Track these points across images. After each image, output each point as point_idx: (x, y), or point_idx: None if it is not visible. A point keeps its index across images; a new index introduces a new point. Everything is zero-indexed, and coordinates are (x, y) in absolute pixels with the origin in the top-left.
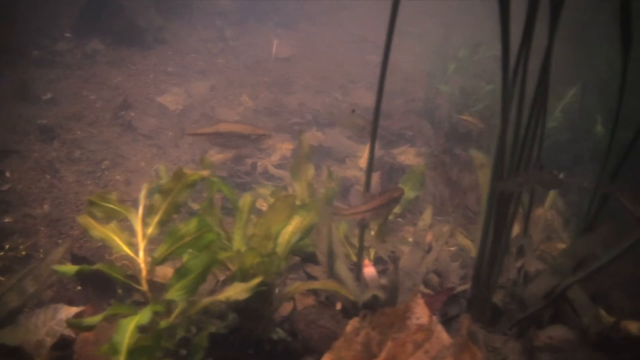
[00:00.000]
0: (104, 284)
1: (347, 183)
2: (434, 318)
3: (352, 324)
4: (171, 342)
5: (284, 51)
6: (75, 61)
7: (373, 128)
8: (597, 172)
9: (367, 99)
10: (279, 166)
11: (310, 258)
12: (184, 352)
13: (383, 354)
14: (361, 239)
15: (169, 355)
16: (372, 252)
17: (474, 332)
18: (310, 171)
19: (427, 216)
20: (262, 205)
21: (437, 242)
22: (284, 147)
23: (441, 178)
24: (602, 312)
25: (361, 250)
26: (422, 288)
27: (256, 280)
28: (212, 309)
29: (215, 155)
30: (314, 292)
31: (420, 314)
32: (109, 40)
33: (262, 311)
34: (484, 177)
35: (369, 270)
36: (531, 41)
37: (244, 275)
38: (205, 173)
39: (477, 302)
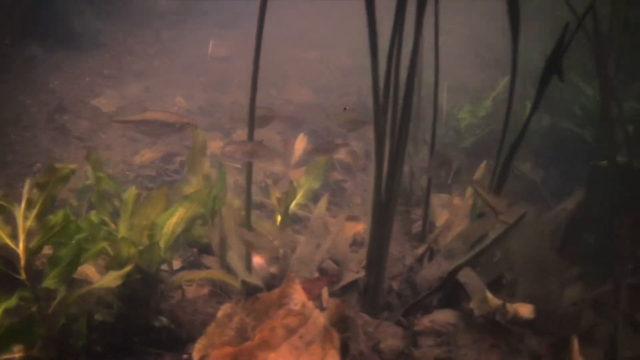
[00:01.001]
0: None
1: (275, 178)
2: (310, 304)
3: (224, 309)
4: (54, 329)
5: (220, 51)
6: (14, 66)
7: (250, 120)
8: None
9: (302, 94)
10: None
11: (206, 249)
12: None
13: (255, 339)
14: (248, 224)
15: (52, 341)
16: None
17: (352, 318)
18: (206, 165)
19: (322, 204)
20: None
21: (332, 230)
22: (214, 146)
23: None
24: (490, 295)
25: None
26: (317, 275)
27: (127, 269)
28: (101, 297)
29: (146, 154)
30: (212, 282)
31: (298, 299)
32: (47, 44)
33: (148, 300)
34: None
35: (257, 259)
36: (402, 30)
37: (120, 264)
38: (73, 166)
39: (370, 288)
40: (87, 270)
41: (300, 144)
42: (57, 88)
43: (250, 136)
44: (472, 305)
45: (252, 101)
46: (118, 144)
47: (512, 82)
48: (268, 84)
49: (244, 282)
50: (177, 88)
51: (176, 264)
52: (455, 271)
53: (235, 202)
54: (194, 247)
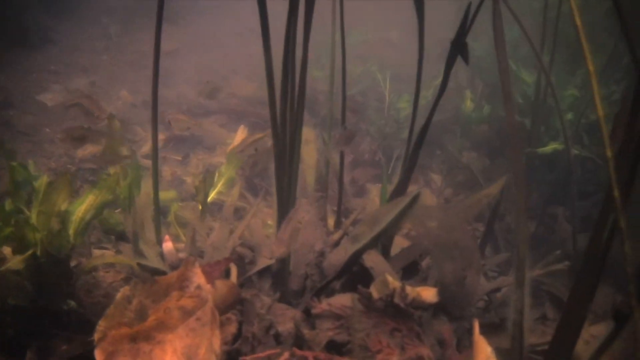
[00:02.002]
0: None
1: (212, 169)
2: (208, 287)
3: (123, 292)
4: None
5: (168, 45)
6: None
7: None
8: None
9: (247, 88)
10: (148, 156)
11: (122, 236)
12: None
13: (150, 320)
14: (157, 217)
15: None
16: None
17: (248, 301)
18: (124, 152)
19: (235, 192)
20: None
21: (246, 216)
22: None
23: None
24: (389, 278)
25: (159, 227)
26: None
27: (29, 253)
28: (18, 283)
29: (88, 148)
30: (130, 268)
31: (198, 282)
32: None
33: (59, 284)
34: (307, 153)
35: (167, 245)
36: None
37: (26, 249)
38: None
39: (278, 274)
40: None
41: (241, 135)
42: (4, 84)
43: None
44: (371, 288)
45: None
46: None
47: (419, 65)
48: (216, 78)
49: (145, 267)
50: (123, 83)
51: (96, 252)
52: (356, 255)
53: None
54: (112, 234)
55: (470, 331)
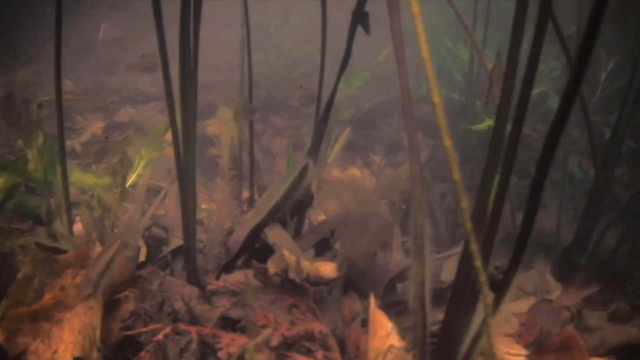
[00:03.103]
0: None
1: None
2: None
3: (24, 271)
4: None
5: (113, 33)
6: None
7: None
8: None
9: None
10: (84, 143)
11: (39, 219)
12: None
13: (46, 298)
14: (67, 200)
15: None
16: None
17: (143, 278)
18: (40, 138)
19: (147, 173)
20: None
21: (159, 197)
22: (95, 126)
23: None
24: (286, 253)
25: (69, 209)
26: (140, 242)
27: None
28: None
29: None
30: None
31: None
32: None
33: None
34: (224, 133)
35: (77, 226)
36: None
37: None
38: None
39: (188, 252)
40: None
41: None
42: None
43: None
44: (268, 263)
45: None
46: (7, 128)
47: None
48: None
49: (46, 246)
50: (66, 71)
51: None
52: (255, 230)
53: (75, 174)
54: (30, 218)
55: (385, 309)
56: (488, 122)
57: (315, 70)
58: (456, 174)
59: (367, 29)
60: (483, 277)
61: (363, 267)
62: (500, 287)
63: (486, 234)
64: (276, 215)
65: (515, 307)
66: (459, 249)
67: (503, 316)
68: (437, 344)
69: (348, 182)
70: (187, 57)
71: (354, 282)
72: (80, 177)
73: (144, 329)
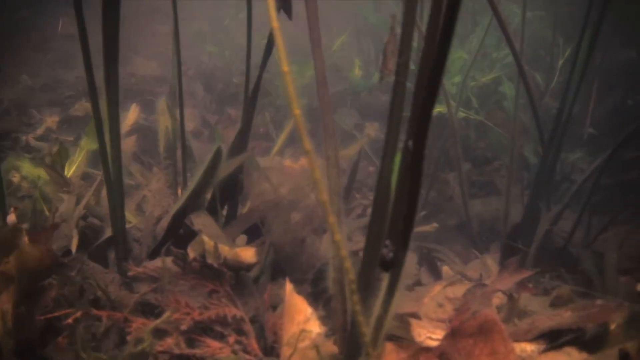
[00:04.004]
0: None
1: None
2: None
3: None
4: None
5: (71, 29)
6: None
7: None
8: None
9: (147, 68)
10: (41, 138)
11: None
12: None
13: None
14: (1, 192)
15: None
16: None
17: (67, 265)
18: None
19: (81, 163)
20: (14, 176)
21: (92, 187)
22: (50, 121)
23: None
24: (205, 239)
25: (2, 201)
26: (74, 231)
27: None
28: None
29: None
30: None
31: None
32: None
33: None
34: (161, 123)
35: (10, 217)
36: None
37: None
38: None
39: (117, 241)
40: None
41: (133, 114)
42: None
43: None
44: (188, 249)
45: None
46: None
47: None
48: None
49: None
50: (24, 66)
51: None
52: (177, 216)
53: (27, 167)
54: None
55: (316, 295)
56: (438, 109)
57: (270, 59)
58: (307, 144)
59: (289, 14)
60: (350, 268)
61: (291, 252)
62: (391, 267)
63: (392, 212)
64: (196, 202)
65: (451, 292)
66: None
67: (401, 298)
68: (350, 329)
69: (278, 169)
70: (111, 47)
71: (282, 268)
72: (32, 171)
73: (56, 314)
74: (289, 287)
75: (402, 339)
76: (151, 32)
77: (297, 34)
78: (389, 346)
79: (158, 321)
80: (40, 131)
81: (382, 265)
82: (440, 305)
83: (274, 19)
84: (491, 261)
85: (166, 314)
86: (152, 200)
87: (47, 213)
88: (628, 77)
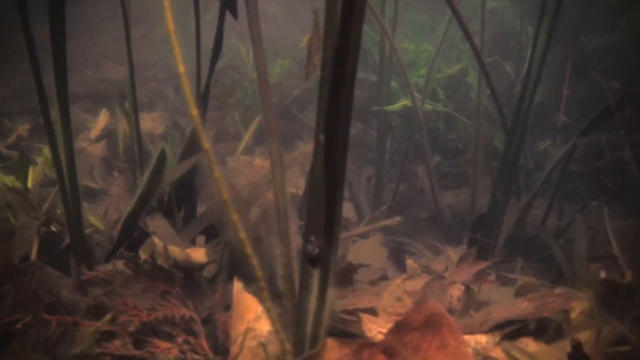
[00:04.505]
0: None
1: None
2: None
3: None
4: None
5: (43, 35)
6: None
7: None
8: None
9: (117, 72)
10: (12, 147)
11: None
12: None
13: None
14: None
15: None
16: None
17: (22, 271)
18: None
19: (40, 168)
20: None
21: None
22: (21, 129)
23: None
24: (156, 240)
25: None
26: (34, 238)
27: None
28: None
29: None
30: None
31: None
32: None
33: None
34: (119, 127)
35: None
36: None
37: None
38: None
39: (74, 245)
40: None
41: (102, 119)
42: None
43: None
44: (140, 251)
45: None
46: None
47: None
48: (87, 65)
49: None
50: None
51: None
52: (128, 219)
53: None
54: None
55: (273, 293)
56: (403, 102)
57: (237, 60)
58: (205, 143)
59: (234, 15)
60: (254, 262)
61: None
62: (318, 263)
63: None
64: (146, 205)
65: (410, 285)
66: (359, 230)
67: (334, 293)
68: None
69: (238, 168)
70: (58, 53)
71: (239, 268)
72: (2, 179)
73: (6, 320)
74: (237, 285)
75: (354, 335)
76: (122, 37)
77: (277, 35)
78: (330, 342)
79: (99, 324)
80: (11, 140)
81: (308, 262)
82: (399, 299)
83: (170, 21)
84: (453, 253)
85: (107, 316)
86: (111, 205)
87: (12, 221)
88: (601, 63)
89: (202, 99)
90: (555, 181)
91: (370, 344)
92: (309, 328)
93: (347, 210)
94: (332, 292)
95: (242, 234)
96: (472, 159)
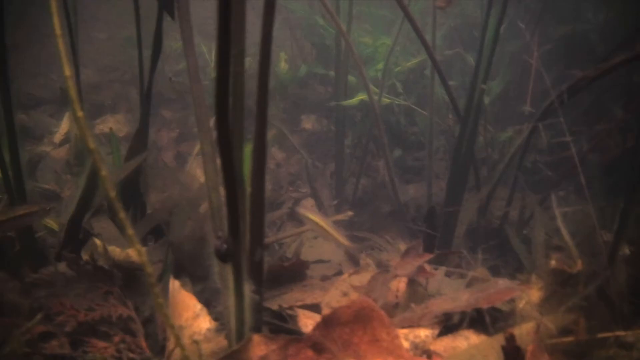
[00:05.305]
0: None
1: (36, 159)
2: None
3: None
4: None
5: (8, 40)
6: None
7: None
8: None
9: (84, 75)
10: None
11: None
12: None
13: None
14: None
15: None
16: None
17: None
18: None
19: None
20: None
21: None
22: None
23: None
24: (98, 242)
25: None
26: None
27: None
28: None
29: None
30: None
31: None
32: None
33: None
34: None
35: None
36: None
37: None
38: None
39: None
40: None
41: (66, 123)
42: None
43: None
44: (82, 252)
45: None
46: None
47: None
48: (51, 68)
49: None
50: None
51: None
52: (72, 222)
53: None
54: None
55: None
56: (360, 97)
57: (200, 59)
58: (91, 144)
59: (171, 14)
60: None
61: (191, 252)
62: (227, 258)
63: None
64: (87, 207)
65: (357, 280)
66: (299, 230)
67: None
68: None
69: (181, 171)
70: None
71: (185, 267)
72: None
73: None
74: (173, 284)
75: (292, 330)
76: (88, 39)
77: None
78: (256, 338)
79: (30, 324)
80: None
81: (218, 258)
82: (345, 294)
83: (57, 26)
84: (404, 246)
85: (38, 316)
86: (62, 207)
87: None
88: (565, 53)
89: (145, 98)
90: (515, 172)
91: (296, 339)
92: (232, 324)
93: (311, 206)
94: (248, 288)
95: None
96: (439, 151)
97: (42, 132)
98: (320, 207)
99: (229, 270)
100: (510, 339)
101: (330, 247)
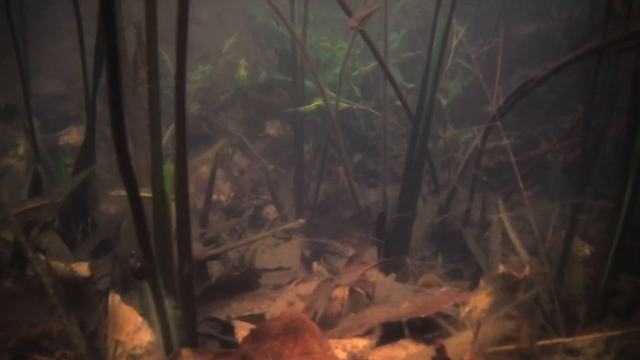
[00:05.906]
0: None
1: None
2: None
3: None
4: None
5: None
6: None
7: None
8: None
9: (49, 86)
10: None
11: None
12: None
13: None
14: None
15: None
16: None
17: None
18: None
19: None
20: None
21: None
22: None
23: None
24: (43, 257)
25: None
26: None
27: None
28: None
29: None
30: None
31: None
32: None
33: None
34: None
35: None
36: None
37: None
38: None
39: None
40: None
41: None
42: None
43: None
44: (28, 268)
45: None
46: None
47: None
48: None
49: None
50: None
51: None
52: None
53: None
54: None
55: None
56: (317, 102)
57: (162, 67)
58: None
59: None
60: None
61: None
62: (143, 276)
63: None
64: (32, 223)
65: (304, 289)
66: (260, 235)
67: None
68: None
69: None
70: None
71: (132, 281)
72: None
73: None
74: (112, 298)
75: (230, 343)
76: (54, 50)
77: (207, 39)
78: (185, 352)
79: None
80: None
81: (134, 275)
82: (291, 304)
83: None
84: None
85: None
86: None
87: None
88: (529, 52)
89: (90, 110)
90: (472, 173)
91: (225, 353)
92: (159, 338)
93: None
94: (169, 304)
95: None
96: (401, 155)
97: (7, 144)
98: (280, 211)
99: (146, 287)
100: (440, 350)
101: (290, 253)
